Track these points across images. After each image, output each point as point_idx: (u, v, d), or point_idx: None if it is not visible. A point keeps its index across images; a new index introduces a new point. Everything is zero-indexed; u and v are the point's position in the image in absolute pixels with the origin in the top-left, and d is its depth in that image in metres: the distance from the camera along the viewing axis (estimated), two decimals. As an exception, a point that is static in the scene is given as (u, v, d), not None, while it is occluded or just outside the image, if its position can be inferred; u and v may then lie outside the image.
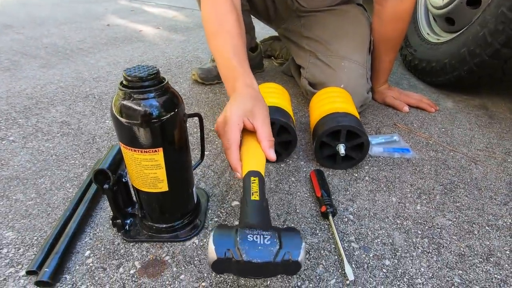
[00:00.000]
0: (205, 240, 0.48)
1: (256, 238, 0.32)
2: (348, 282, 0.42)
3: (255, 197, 0.38)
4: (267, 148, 0.46)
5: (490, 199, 0.59)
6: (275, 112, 0.62)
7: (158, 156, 0.40)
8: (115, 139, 0.73)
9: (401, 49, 1.27)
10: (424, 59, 1.10)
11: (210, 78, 1.04)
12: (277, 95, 0.70)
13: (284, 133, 0.63)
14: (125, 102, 0.37)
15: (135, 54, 1.35)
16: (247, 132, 0.55)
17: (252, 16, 1.05)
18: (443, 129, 0.83)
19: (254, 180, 0.40)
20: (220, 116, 0.49)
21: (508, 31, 0.78)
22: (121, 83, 0.38)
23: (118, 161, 0.46)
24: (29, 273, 0.41)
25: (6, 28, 1.69)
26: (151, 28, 1.84)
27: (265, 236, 0.32)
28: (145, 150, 0.39)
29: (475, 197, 0.59)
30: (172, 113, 0.39)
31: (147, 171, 0.41)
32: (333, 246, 0.47)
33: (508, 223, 0.53)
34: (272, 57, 1.33)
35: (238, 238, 0.32)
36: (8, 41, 1.47)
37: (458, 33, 0.99)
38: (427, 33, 1.18)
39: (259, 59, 1.16)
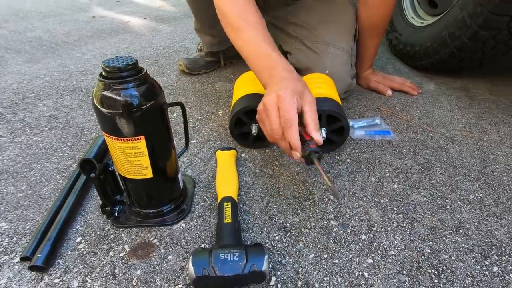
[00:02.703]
0: (191, 223, 0.50)
1: (227, 256, 0.38)
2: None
3: (228, 220, 0.46)
4: (314, 131, 0.47)
5: (463, 176, 0.62)
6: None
7: (140, 144, 0.41)
8: (103, 131, 0.74)
9: (387, 34, 1.28)
10: (408, 43, 1.12)
11: (197, 68, 1.05)
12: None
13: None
14: (105, 93, 0.38)
15: (122, 46, 1.34)
16: (221, 157, 0.61)
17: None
18: (424, 111, 0.85)
19: (227, 205, 0.48)
20: (265, 100, 0.48)
21: (485, 13, 0.80)
22: (101, 74, 0.39)
23: (103, 150, 0.47)
24: (23, 259, 0.43)
25: (-12, 23, 1.66)
26: (138, 18, 1.81)
27: (234, 253, 0.39)
28: (128, 138, 0.41)
29: (449, 174, 0.62)
30: (152, 102, 0.40)
31: (131, 158, 0.42)
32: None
33: (479, 197, 0.57)
34: (259, 45, 1.33)
35: (212, 258, 0.38)
36: (-9, 36, 1.44)
37: (440, 16, 1.00)
38: (412, 17, 1.19)
39: (245, 47, 1.17)
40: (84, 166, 0.43)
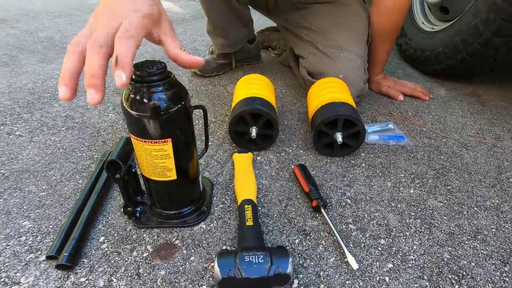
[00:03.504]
0: (211, 225, 0.51)
1: (252, 258, 0.39)
2: (354, 268, 0.43)
3: (250, 222, 0.46)
4: (187, 56, 0.36)
5: (479, 182, 0.62)
6: (263, 105, 0.64)
7: (167, 147, 0.42)
8: (119, 132, 0.75)
9: (397, 38, 1.29)
10: (418, 48, 1.12)
11: (209, 70, 1.06)
12: (260, 86, 0.72)
13: (268, 128, 0.65)
14: (135, 96, 0.39)
15: (133, 47, 1.35)
16: (238, 160, 0.62)
17: (250, 8, 1.06)
18: (437, 117, 0.86)
19: (248, 207, 0.49)
20: (101, 10, 0.33)
21: (499, 20, 0.80)
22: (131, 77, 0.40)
23: (127, 152, 0.48)
24: (49, 258, 0.44)
25: (0, 23, 1.67)
26: (147, 20, 1.82)
27: (259, 255, 0.39)
28: (155, 140, 0.41)
29: (465, 180, 0.62)
30: (179, 105, 0.41)
31: (157, 160, 0.43)
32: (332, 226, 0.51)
33: (495, 204, 0.57)
34: (269, 48, 1.34)
35: (237, 260, 0.39)
36: (3, 35, 1.46)
37: (452, 22, 1.01)
38: (422, 22, 1.20)
39: (256, 50, 1.18)
40: (109, 167, 0.44)
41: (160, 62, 0.41)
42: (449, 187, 0.60)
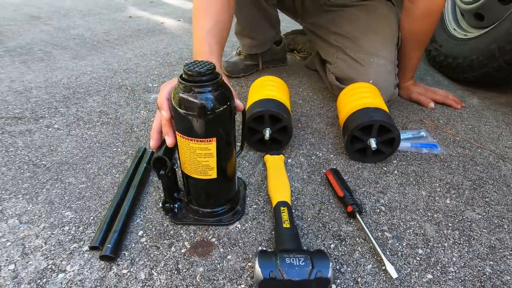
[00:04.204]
0: (246, 225, 0.51)
1: (293, 260, 0.39)
2: (393, 277, 0.43)
3: (287, 225, 0.46)
4: None
5: (519, 196, 0.60)
6: (260, 106, 0.64)
7: (211, 146, 0.43)
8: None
9: (425, 45, 1.26)
10: (450, 55, 1.10)
11: (236, 71, 1.07)
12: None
13: (277, 121, 0.65)
14: (184, 95, 0.40)
15: (160, 46, 1.38)
16: (271, 161, 0.62)
17: (278, 10, 1.06)
18: (470, 126, 0.83)
19: (284, 209, 0.49)
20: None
21: (542, 29, 0.77)
22: (181, 76, 0.41)
23: (172, 149, 0.49)
24: (92, 248, 0.45)
25: (34, 20, 1.75)
26: (172, 20, 1.86)
27: (299, 258, 0.39)
28: (200, 139, 0.42)
29: (504, 193, 0.60)
30: (225, 106, 0.42)
31: (200, 159, 0.44)
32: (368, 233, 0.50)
33: (537, 219, 0.55)
34: (295, 51, 1.34)
35: (278, 261, 0.39)
36: (38, 32, 1.52)
37: (488, 29, 0.98)
38: (454, 29, 1.17)
39: (283, 53, 1.18)
40: (155, 164, 0.45)
41: (209, 63, 0.41)
42: (487, 199, 0.59)
